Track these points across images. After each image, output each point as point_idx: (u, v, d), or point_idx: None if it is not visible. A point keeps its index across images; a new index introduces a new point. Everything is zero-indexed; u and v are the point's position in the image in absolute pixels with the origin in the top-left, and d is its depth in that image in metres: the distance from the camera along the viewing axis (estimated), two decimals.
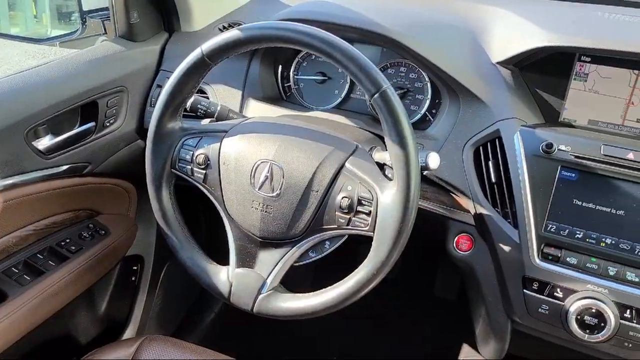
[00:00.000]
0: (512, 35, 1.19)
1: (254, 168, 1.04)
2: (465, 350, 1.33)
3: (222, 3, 1.61)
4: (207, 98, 1.38)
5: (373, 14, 1.22)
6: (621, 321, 0.97)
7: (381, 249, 0.95)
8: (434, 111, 1.30)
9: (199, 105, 1.18)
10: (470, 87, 1.15)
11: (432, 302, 1.96)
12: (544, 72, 1.18)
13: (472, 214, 1.14)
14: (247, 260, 1.08)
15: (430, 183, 1.18)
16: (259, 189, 1.04)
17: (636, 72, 1.12)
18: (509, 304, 1.09)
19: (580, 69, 1.16)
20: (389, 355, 1.89)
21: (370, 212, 0.97)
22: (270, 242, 1.06)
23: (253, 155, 1.05)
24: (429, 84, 1.30)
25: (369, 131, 1.24)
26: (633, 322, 0.98)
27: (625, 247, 0.99)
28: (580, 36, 1.09)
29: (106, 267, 1.46)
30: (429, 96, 1.30)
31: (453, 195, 1.17)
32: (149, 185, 1.11)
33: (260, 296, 1.06)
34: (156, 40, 1.51)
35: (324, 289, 1.03)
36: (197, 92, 1.25)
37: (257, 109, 1.35)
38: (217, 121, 1.18)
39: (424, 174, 1.09)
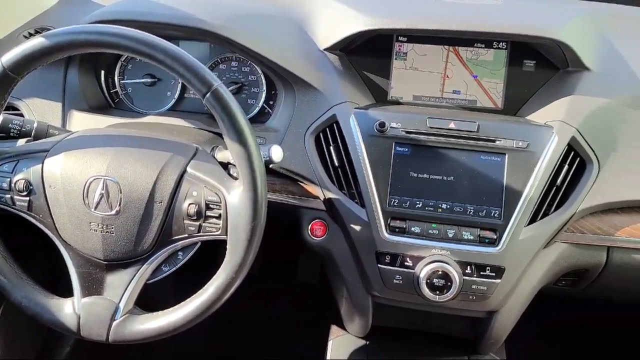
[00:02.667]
0: (335, 22, 1.22)
1: (86, 187, 0.96)
2: (334, 330, 1.36)
3: (24, 6, 1.44)
4: (21, 115, 1.23)
5: (194, 9, 1.18)
6: (464, 277, 1.06)
7: (237, 251, 0.93)
8: (271, 103, 1.30)
9: (10, 125, 1.05)
10: (302, 76, 1.17)
11: (298, 289, 1.99)
12: (369, 55, 1.24)
13: (322, 199, 1.16)
14: (93, 287, 1.00)
15: (277, 175, 1.18)
16: (95, 208, 0.96)
17: (447, 47, 1.22)
18: (367, 280, 1.14)
19: (400, 49, 1.24)
20: (263, 348, 1.89)
21: (220, 215, 0.95)
22: (117, 263, 0.98)
23: (83, 172, 0.96)
24: (262, 77, 1.30)
25: (209, 130, 1.21)
26: (474, 277, 1.07)
27: (459, 210, 1.08)
28: (395, 18, 1.16)
29: None
30: (265, 88, 1.30)
31: (301, 184, 1.18)
32: None
33: (115, 323, 0.98)
34: None
35: (183, 302, 0.98)
36: (6, 110, 1.11)
37: (83, 121, 1.24)
38: (35, 140, 1.06)
39: (270, 167, 1.08)
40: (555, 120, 1.09)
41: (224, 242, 0.95)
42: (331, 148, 1.14)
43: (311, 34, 1.24)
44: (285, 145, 1.17)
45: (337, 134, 1.14)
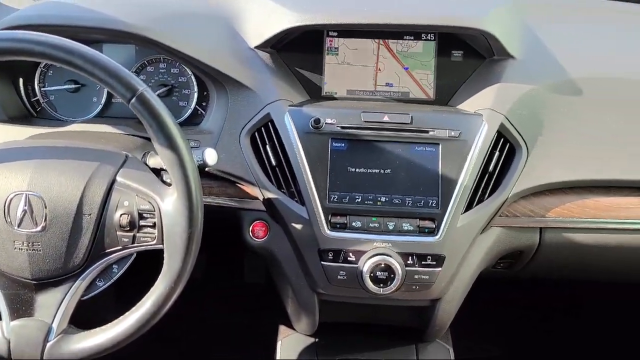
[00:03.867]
0: (264, 19, 1.20)
1: (6, 203, 0.90)
2: (282, 330, 1.35)
3: None
4: None
5: (115, 10, 1.13)
6: (406, 268, 1.08)
7: (174, 260, 0.91)
8: (204, 104, 1.27)
9: None
10: (233, 75, 1.15)
11: (244, 290, 1.97)
12: (300, 51, 1.23)
13: (261, 200, 1.14)
14: (22, 309, 0.94)
15: (214, 178, 1.16)
16: (19, 225, 0.91)
17: (377, 40, 1.23)
18: (311, 278, 1.13)
19: (331, 44, 1.23)
20: (211, 351, 1.86)
21: (154, 224, 0.92)
22: (47, 282, 0.94)
23: (2, 189, 0.91)
24: (193, 77, 1.26)
25: (139, 136, 1.16)
26: (416, 267, 1.08)
27: (398, 202, 1.09)
28: (324, 14, 1.15)
29: None
30: (196, 90, 1.27)
31: (239, 185, 1.16)
32: None
33: (49, 345, 0.94)
34: None
35: (122, 317, 0.95)
36: None
37: (2, 133, 1.17)
38: None
39: (206, 170, 1.06)
40: (484, 109, 1.12)
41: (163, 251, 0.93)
42: (267, 147, 1.13)
43: (241, 32, 1.22)
44: (220, 147, 1.14)
45: (272, 133, 1.12)
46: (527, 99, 1.14)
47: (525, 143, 1.12)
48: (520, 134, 1.12)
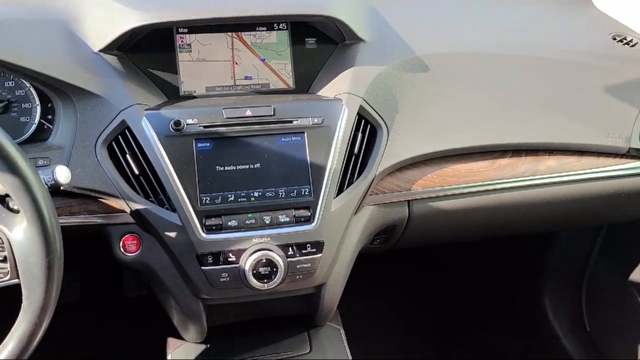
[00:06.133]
0: (106, 20, 1.12)
1: None
2: (171, 343, 1.30)
3: None
4: None
5: None
6: (288, 260, 1.08)
7: (35, 293, 0.83)
8: (49, 117, 1.16)
9: None
10: (77, 83, 1.06)
11: (126, 305, 1.87)
12: (151, 51, 1.17)
13: (129, 212, 1.08)
14: None
15: (73, 196, 1.07)
16: None
17: (230, 34, 1.20)
18: (194, 285, 1.10)
19: (182, 41, 1.19)
20: None
21: (5, 257, 0.83)
22: None
23: None
24: (32, 89, 1.15)
25: None
26: (297, 257, 1.09)
27: (271, 195, 1.09)
28: (170, 10, 1.10)
29: None
30: (38, 102, 1.16)
31: (102, 200, 1.09)
32: None
33: None
34: None
35: None
36: None
37: None
38: None
39: (61, 189, 0.98)
40: (343, 93, 1.15)
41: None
42: (127, 156, 1.06)
43: (81, 36, 1.13)
44: (74, 162, 1.06)
45: (131, 140, 1.06)
46: (380, 80, 1.18)
47: (385, 122, 1.17)
48: (379, 114, 1.16)
